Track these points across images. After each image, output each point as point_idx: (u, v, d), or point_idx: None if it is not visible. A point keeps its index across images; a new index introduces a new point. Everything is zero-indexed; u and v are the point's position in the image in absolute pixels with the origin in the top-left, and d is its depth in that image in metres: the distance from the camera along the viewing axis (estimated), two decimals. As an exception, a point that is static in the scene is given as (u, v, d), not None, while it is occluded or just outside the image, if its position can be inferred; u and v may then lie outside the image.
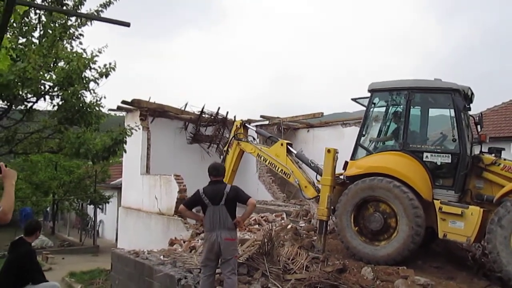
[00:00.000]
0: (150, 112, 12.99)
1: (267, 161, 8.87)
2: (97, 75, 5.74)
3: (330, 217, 7.26)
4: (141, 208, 12.51)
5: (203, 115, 14.24)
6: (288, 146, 8.57)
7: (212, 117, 14.43)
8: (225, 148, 9.92)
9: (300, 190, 8.42)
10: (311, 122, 14.95)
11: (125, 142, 5.89)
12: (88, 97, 5.98)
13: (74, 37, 5.75)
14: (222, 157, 15.03)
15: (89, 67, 5.46)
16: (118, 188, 22.17)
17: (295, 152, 8.60)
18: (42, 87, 5.02)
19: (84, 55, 5.48)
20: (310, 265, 6.44)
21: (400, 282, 5.72)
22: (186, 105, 14.28)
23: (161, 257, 7.64)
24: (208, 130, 14.91)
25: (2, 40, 2.99)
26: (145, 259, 7.37)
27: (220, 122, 14.69)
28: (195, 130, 14.47)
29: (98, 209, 22.05)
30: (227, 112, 14.72)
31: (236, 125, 9.57)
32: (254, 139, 9.70)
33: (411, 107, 6.94)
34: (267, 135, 9.60)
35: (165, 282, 6.38)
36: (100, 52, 5.64)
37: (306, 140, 15.52)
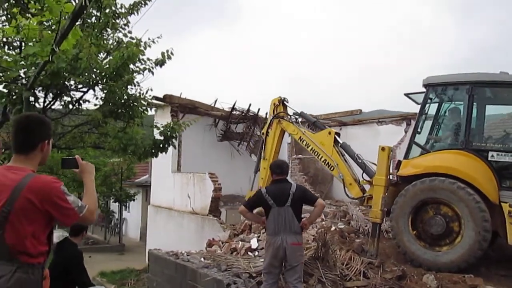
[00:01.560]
0: (180, 108, 12.68)
1: (310, 147, 8.35)
2: (151, 64, 5.37)
3: (384, 219, 6.83)
4: (172, 207, 12.22)
5: (234, 112, 13.86)
6: (336, 136, 8.08)
7: (243, 114, 14.03)
8: (263, 131, 9.41)
9: (344, 187, 7.93)
10: (344, 120, 14.46)
11: (176, 138, 5.54)
12: (132, 90, 5.67)
13: (121, 26, 5.41)
14: (252, 155, 14.87)
15: (139, 58, 5.11)
16: (143, 185, 22.08)
17: (341, 142, 8.10)
18: (94, 76, 4.69)
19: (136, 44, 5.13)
20: (366, 270, 6.04)
21: (472, 293, 5.26)
22: (216, 101, 13.94)
23: (202, 259, 7.30)
24: (239, 127, 14.54)
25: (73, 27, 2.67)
26: (186, 261, 7.03)
27: (251, 119, 14.29)
28: (226, 127, 14.11)
29: (122, 207, 21.96)
30: (259, 109, 14.34)
31: (274, 103, 8.96)
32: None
33: (474, 102, 6.44)
34: (312, 119, 9.00)
35: (211, 287, 6.02)
36: (154, 42, 5.28)
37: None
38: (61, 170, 9.98)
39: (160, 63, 5.34)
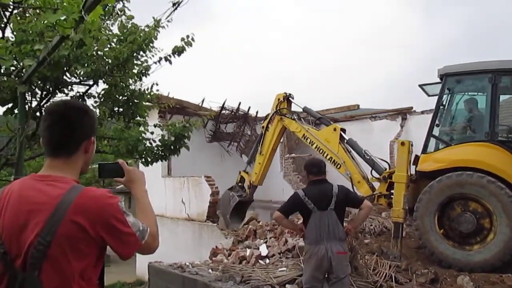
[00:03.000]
0: (168, 109, 11.95)
1: (314, 145, 7.96)
2: (164, 54, 4.66)
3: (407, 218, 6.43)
4: (164, 214, 11.47)
5: (223, 112, 13.25)
6: (342, 133, 7.67)
7: (233, 113, 13.44)
8: (263, 125, 8.97)
9: (352, 185, 7.52)
10: (337, 116, 14.08)
11: (189, 138, 4.90)
12: (134, 85, 4.99)
13: (120, 12, 4.71)
14: (242, 155, 14.29)
15: (149, 46, 4.42)
16: (126, 192, 21.03)
17: (347, 138, 7.69)
18: (103, 65, 3.99)
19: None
20: (395, 275, 5.60)
21: (518, 294, 4.89)
22: (203, 100, 13.31)
23: (210, 270, 6.69)
24: (228, 127, 13.93)
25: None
26: (195, 274, 6.40)
27: (241, 118, 13.71)
28: (215, 127, 13.47)
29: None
30: (249, 108, 13.76)
31: (279, 99, 8.56)
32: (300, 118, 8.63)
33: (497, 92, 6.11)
34: (317, 115, 8.60)
35: (229, 302, 5.45)
36: (163, 27, 4.56)
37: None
38: None
39: (179, 50, 4.68)
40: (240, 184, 9.28)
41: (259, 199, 13.54)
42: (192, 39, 4.69)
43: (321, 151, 7.93)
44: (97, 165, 1.94)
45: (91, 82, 4.32)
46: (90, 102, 4.53)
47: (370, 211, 4.26)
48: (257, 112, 13.97)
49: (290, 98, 8.48)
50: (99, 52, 3.93)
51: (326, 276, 3.92)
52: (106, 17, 4.45)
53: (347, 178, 7.61)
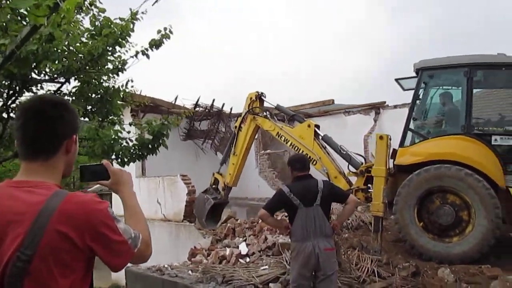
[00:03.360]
0: (141, 107, 11.63)
1: (289, 143, 7.88)
2: (144, 47, 4.42)
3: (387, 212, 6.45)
4: (139, 215, 11.12)
5: (197, 109, 13.01)
6: (316, 129, 7.65)
7: (207, 110, 13.22)
8: (236, 124, 8.82)
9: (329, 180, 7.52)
10: (310, 112, 14.09)
11: (167, 136, 4.69)
12: (107, 82, 4.74)
13: (91, 6, 4.42)
14: (217, 153, 14.12)
15: (126, 39, 4.17)
16: (98, 194, 20.44)
17: (321, 134, 7.68)
18: (75, 61, 3.72)
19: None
20: (378, 270, 5.61)
21: (498, 284, 4.97)
22: (176, 98, 13.04)
23: (190, 272, 6.53)
24: (203, 125, 13.70)
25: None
26: (174, 276, 6.22)
27: (215, 115, 13.52)
28: (189, 125, 13.22)
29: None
30: (223, 104, 13.60)
31: (251, 98, 8.38)
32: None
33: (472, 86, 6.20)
34: (290, 113, 8.52)
35: (212, 304, 5.31)
36: (139, 19, 4.29)
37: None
38: None
39: (157, 44, 4.45)
40: (214, 186, 9.10)
41: (235, 197, 13.43)
42: (170, 32, 4.49)
43: (296, 148, 7.88)
44: (79, 168, 1.77)
45: (62, 80, 4.04)
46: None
47: (355, 205, 4.21)
48: (231, 109, 13.84)
49: (262, 97, 8.36)
50: (70, 47, 3.68)
51: (314, 273, 3.84)
52: (76, 11, 4.17)
53: (323, 174, 7.59)
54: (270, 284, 5.32)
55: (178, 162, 12.41)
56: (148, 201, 10.78)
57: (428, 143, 6.31)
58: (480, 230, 5.58)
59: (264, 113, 8.50)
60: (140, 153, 4.62)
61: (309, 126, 7.71)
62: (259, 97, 8.49)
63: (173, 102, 12.91)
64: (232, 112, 13.82)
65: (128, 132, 4.58)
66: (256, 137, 14.38)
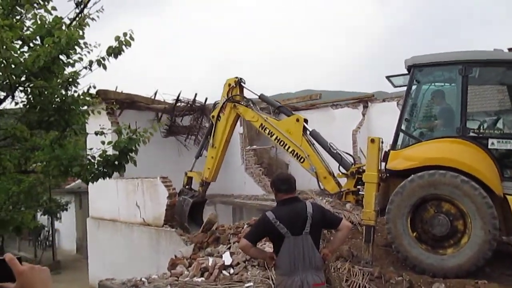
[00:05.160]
0: (117, 104, 11.01)
1: (274, 136, 7.40)
2: (100, 57, 3.86)
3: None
4: (117, 219, 10.60)
5: (178, 104, 12.44)
6: (305, 124, 7.19)
7: (189, 105, 12.66)
8: (212, 114, 8.22)
9: (318, 181, 7.10)
10: (297, 105, 13.62)
11: (136, 152, 4.17)
12: (65, 91, 4.19)
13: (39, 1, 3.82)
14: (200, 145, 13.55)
15: (74, 48, 3.61)
16: (75, 192, 19.81)
17: (310, 129, 7.22)
18: (15, 74, 3.16)
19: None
20: (369, 285, 5.25)
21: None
22: (156, 93, 12.44)
23: (168, 287, 6.09)
24: (185, 120, 13.14)
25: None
26: (152, 293, 5.77)
27: (198, 110, 12.97)
28: (170, 121, 12.65)
29: (53, 219, 19.55)
30: (206, 99, 13.03)
31: (229, 84, 7.81)
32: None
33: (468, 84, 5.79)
34: (276, 104, 8.01)
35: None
36: (92, 20, 3.72)
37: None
38: None
39: (115, 52, 3.88)
40: (187, 186, 8.58)
41: (220, 194, 12.98)
42: (131, 38, 3.92)
43: (281, 143, 7.41)
44: None
45: (3, 94, 3.49)
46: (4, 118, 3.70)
47: (349, 232, 3.77)
48: (214, 104, 13.25)
49: (241, 83, 7.78)
50: (6, 59, 3.12)
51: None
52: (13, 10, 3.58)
53: (312, 174, 7.16)
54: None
55: (159, 160, 11.88)
56: (127, 205, 10.26)
57: (422, 146, 5.92)
58: (476, 241, 5.24)
59: (246, 102, 7.98)
60: (105, 170, 4.11)
61: (297, 120, 7.26)
62: (239, 83, 7.94)
63: (153, 98, 12.32)
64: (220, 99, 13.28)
65: (90, 149, 4.03)
66: (241, 132, 14.00)
